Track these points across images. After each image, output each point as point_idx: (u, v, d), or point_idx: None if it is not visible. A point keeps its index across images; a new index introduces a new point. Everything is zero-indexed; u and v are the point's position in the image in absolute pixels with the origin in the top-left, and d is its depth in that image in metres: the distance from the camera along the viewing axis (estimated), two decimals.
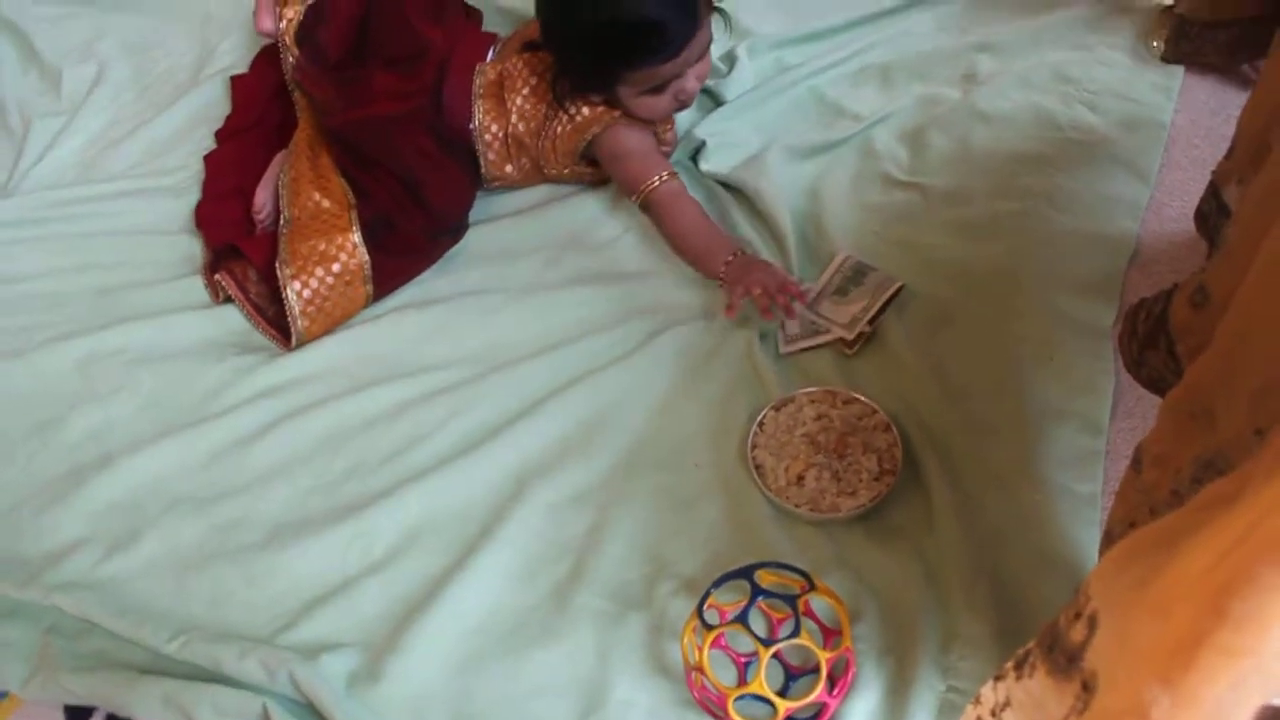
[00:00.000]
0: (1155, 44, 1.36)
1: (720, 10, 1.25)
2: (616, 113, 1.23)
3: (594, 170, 1.30)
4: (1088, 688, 0.54)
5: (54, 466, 1.13)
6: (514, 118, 1.27)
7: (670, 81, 1.19)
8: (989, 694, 0.67)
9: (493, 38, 1.37)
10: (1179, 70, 1.35)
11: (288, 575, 1.02)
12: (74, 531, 1.07)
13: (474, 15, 1.43)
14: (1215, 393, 0.68)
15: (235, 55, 1.58)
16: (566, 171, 1.31)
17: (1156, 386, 0.91)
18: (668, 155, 1.32)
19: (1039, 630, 0.62)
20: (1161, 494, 0.72)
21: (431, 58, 1.30)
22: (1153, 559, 0.51)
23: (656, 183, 1.22)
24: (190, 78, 1.57)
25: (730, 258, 1.16)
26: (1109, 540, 0.80)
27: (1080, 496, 1.00)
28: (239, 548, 1.04)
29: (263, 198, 1.30)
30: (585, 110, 1.24)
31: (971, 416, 1.06)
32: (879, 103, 1.38)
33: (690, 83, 1.19)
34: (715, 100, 1.41)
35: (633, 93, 1.20)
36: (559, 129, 1.25)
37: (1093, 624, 0.55)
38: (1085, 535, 0.97)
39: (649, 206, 1.24)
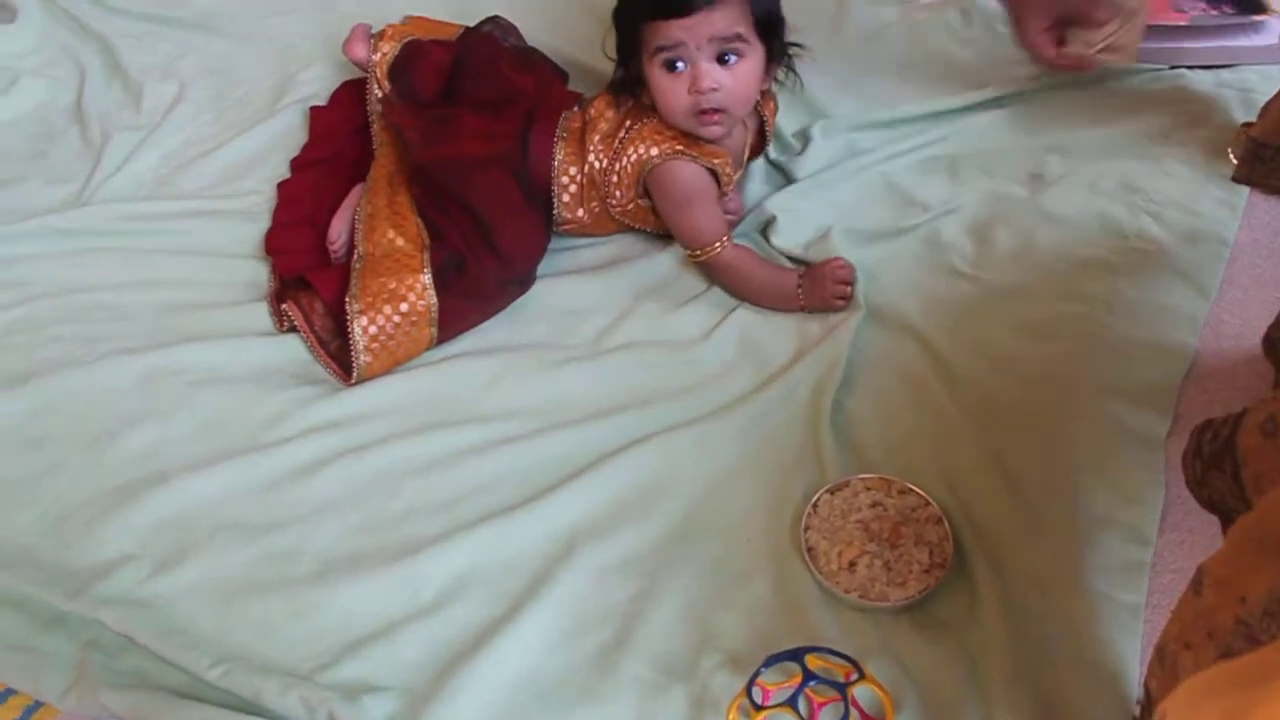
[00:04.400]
0: (1232, 159, 1.38)
1: (784, 46, 1.28)
2: (680, 147, 1.25)
3: (657, 212, 1.31)
4: None
5: (108, 480, 1.13)
6: (590, 156, 1.29)
7: (684, 60, 1.20)
8: None
9: (579, 95, 1.40)
10: (1244, 188, 1.37)
11: (334, 612, 1.02)
12: (123, 546, 1.07)
13: (561, 73, 1.46)
14: None
15: (315, 86, 1.61)
16: (631, 207, 1.31)
17: (1216, 508, 0.92)
18: (732, 224, 1.34)
19: None
20: (1223, 619, 0.72)
21: (520, 104, 1.33)
22: (1240, 696, 0.52)
23: (718, 249, 1.26)
24: (269, 104, 1.60)
25: (799, 289, 1.25)
26: (1160, 657, 0.80)
27: (1123, 606, 1.00)
28: (287, 579, 1.04)
29: (338, 227, 1.32)
30: (652, 149, 1.25)
31: (1021, 515, 1.06)
32: (947, 194, 1.39)
33: (705, 78, 1.19)
34: (787, 177, 1.43)
35: (649, 58, 1.22)
36: (626, 163, 1.27)
37: None
38: (1127, 645, 0.97)
39: (711, 267, 1.28)
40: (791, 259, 1.32)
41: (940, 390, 1.17)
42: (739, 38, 1.20)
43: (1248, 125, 1.39)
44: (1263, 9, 1.56)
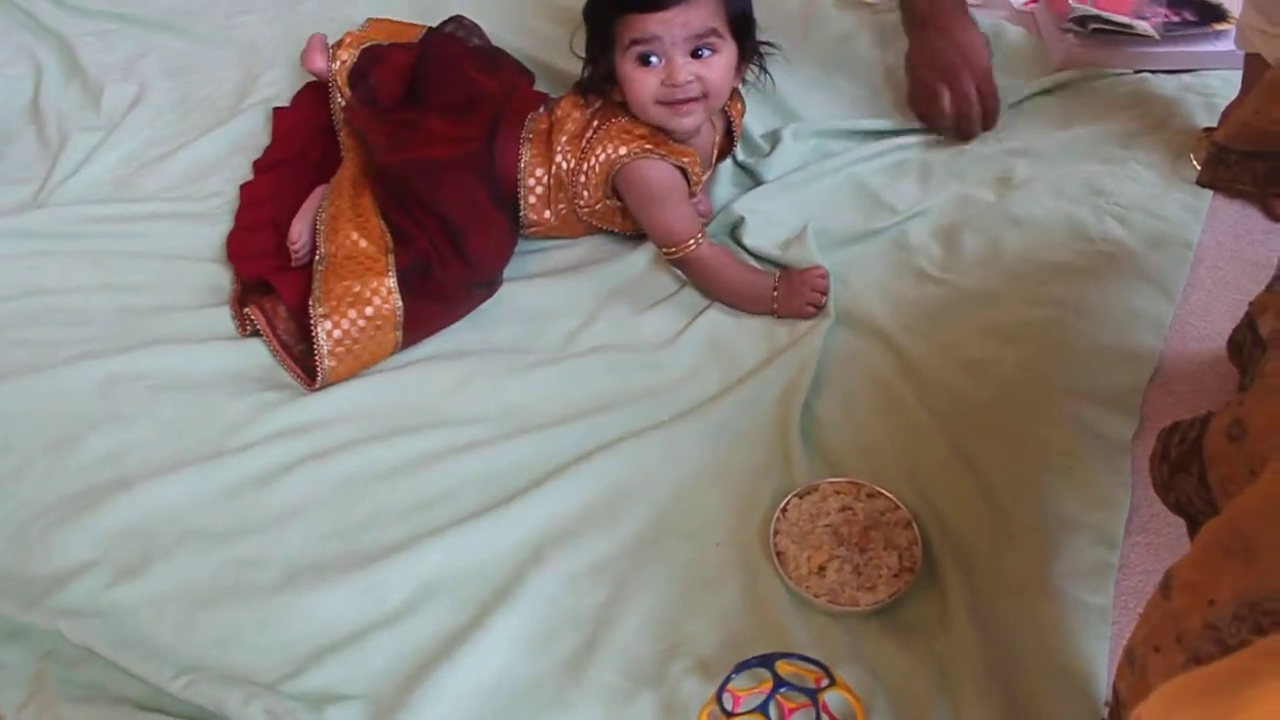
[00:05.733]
0: (1194, 163, 1.39)
1: (755, 44, 1.28)
2: (648, 146, 1.24)
3: (624, 208, 1.30)
4: None
5: (67, 486, 1.11)
6: (557, 157, 1.29)
7: (658, 54, 1.20)
8: None
9: (545, 95, 1.39)
10: (1207, 191, 1.38)
11: (299, 621, 1.00)
12: (82, 554, 1.05)
13: (527, 73, 1.45)
14: (1259, 530, 0.69)
15: (278, 87, 1.59)
16: (600, 207, 1.31)
17: (1184, 511, 0.92)
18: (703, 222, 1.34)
19: None
20: (1192, 622, 0.72)
21: (486, 107, 1.32)
22: (1213, 704, 0.52)
23: (692, 245, 1.25)
24: (231, 105, 1.58)
25: (775, 292, 1.25)
26: (1130, 660, 0.80)
27: (1091, 608, 1.00)
28: (251, 588, 1.03)
29: (299, 228, 1.30)
30: (621, 148, 1.25)
31: (989, 518, 1.06)
32: (916, 197, 1.40)
33: (680, 72, 1.20)
34: (755, 179, 1.43)
35: (622, 52, 1.21)
36: (594, 163, 1.27)
37: None
38: (1095, 648, 0.97)
39: (686, 264, 1.28)
40: (762, 259, 1.32)
41: (908, 394, 1.17)
42: (714, 33, 1.20)
43: (1209, 130, 1.40)
44: (1223, 17, 1.58)
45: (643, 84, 1.22)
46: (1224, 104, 1.44)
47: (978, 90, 1.44)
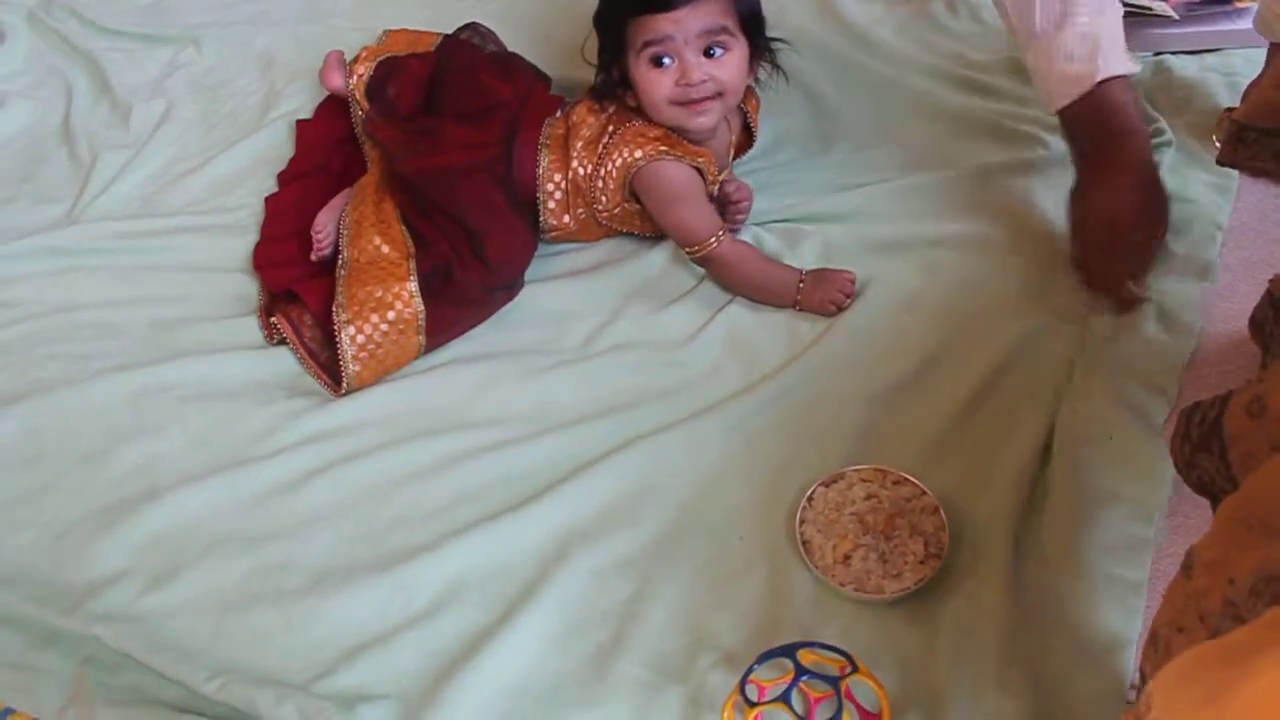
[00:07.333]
0: (1216, 144, 1.38)
1: (766, 41, 1.29)
2: (664, 148, 1.25)
3: (643, 210, 1.31)
4: None
5: (100, 497, 1.13)
6: (574, 163, 1.30)
7: (671, 55, 1.21)
8: None
9: (561, 99, 1.40)
10: (1233, 172, 1.36)
11: (328, 622, 1.02)
12: (116, 563, 1.07)
13: (543, 78, 1.46)
14: (1276, 506, 0.69)
15: (300, 100, 1.62)
16: (619, 211, 1.32)
17: (1206, 490, 0.91)
18: (744, 211, 1.36)
19: None
20: (1213, 601, 0.72)
21: (502, 113, 1.33)
22: (1221, 674, 0.51)
23: (714, 243, 1.26)
24: (255, 119, 1.61)
25: (801, 284, 1.25)
26: (1154, 642, 0.80)
27: (1125, 583, 0.99)
28: (280, 591, 1.04)
29: (324, 219, 1.33)
30: (636, 151, 1.26)
31: (1020, 497, 1.06)
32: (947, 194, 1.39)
33: (695, 71, 1.20)
34: None
35: (635, 55, 1.22)
36: (611, 167, 1.28)
37: None
38: (1127, 624, 0.97)
39: (709, 262, 1.28)
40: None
41: (937, 376, 1.17)
42: (725, 30, 1.21)
43: (1230, 110, 1.38)
44: None
45: (657, 85, 1.22)
46: (1246, 83, 1.42)
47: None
